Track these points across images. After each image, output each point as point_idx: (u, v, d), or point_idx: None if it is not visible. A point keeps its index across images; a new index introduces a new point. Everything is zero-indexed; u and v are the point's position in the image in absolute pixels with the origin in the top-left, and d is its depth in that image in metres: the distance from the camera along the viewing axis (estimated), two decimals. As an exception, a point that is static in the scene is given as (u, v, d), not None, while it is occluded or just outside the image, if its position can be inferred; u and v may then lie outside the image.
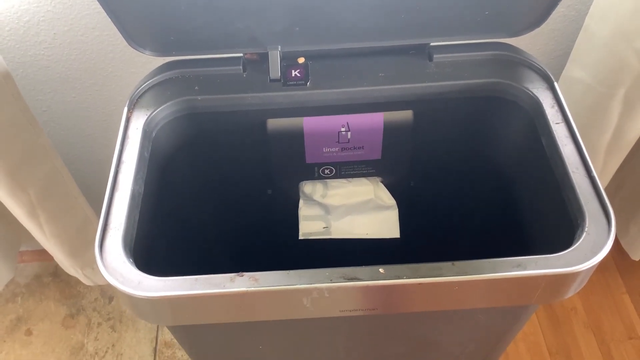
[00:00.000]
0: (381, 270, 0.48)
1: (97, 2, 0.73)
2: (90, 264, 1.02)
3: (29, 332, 1.15)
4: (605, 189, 1.00)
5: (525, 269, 0.47)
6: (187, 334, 0.62)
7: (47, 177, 0.83)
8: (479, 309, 0.57)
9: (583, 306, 1.15)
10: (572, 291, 0.51)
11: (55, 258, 1.01)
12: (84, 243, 0.96)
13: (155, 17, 0.59)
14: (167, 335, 1.14)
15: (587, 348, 1.09)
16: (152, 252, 0.57)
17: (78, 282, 1.20)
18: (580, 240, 0.49)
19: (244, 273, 0.48)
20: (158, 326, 1.15)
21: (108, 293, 1.20)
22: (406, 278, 0.47)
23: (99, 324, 1.16)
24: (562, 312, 1.14)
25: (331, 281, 0.47)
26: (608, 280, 1.18)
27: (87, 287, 1.21)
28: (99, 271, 1.06)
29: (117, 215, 0.52)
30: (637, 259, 1.11)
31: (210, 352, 0.67)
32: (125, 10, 0.57)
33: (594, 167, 0.54)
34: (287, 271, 0.48)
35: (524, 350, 1.10)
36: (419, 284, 0.47)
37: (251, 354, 0.67)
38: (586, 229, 0.50)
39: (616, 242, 1.11)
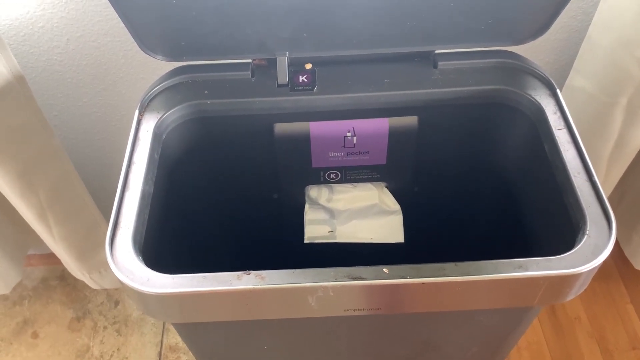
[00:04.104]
0: (385, 270, 0.49)
1: (109, 9, 0.75)
2: (97, 268, 1.03)
3: (35, 335, 1.16)
4: (609, 198, 1.01)
5: (526, 270, 0.48)
6: (193, 333, 0.62)
7: (58, 180, 0.84)
8: (481, 310, 0.57)
9: (587, 315, 1.15)
10: (573, 293, 0.52)
11: (62, 261, 1.02)
12: (91, 246, 0.97)
13: (167, 23, 0.60)
14: (172, 339, 1.14)
15: (591, 357, 1.09)
16: (160, 251, 0.58)
17: (85, 285, 1.21)
18: (582, 243, 0.50)
19: (251, 271, 0.49)
20: (163, 330, 1.16)
21: (114, 297, 1.21)
22: (410, 278, 0.48)
23: (105, 328, 1.17)
24: (566, 321, 1.14)
25: (336, 280, 0.48)
26: (612, 290, 1.18)
27: (94, 290, 1.22)
28: (106, 275, 1.08)
29: (127, 214, 0.54)
30: (640, 269, 1.12)
31: (215, 353, 0.68)
32: (139, 16, 0.59)
33: (597, 175, 0.55)
34: (293, 270, 0.49)
35: (528, 359, 1.10)
36: (422, 283, 0.48)
37: (256, 355, 0.67)
38: (587, 232, 0.50)
39: (620, 251, 1.12)
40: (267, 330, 0.61)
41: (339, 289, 0.48)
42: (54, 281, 1.24)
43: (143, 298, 0.49)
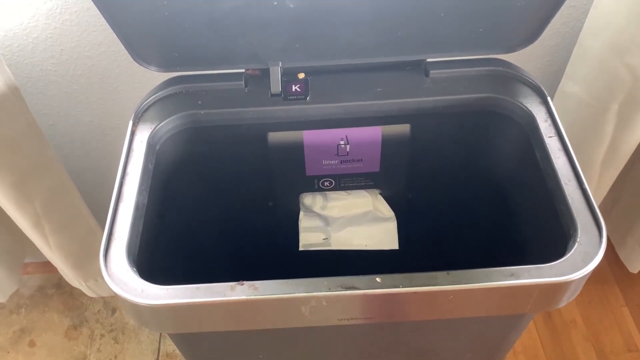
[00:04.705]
0: (378, 279, 0.49)
1: (103, 20, 0.75)
2: (93, 276, 1.03)
3: (32, 344, 1.16)
4: (602, 203, 1.02)
5: (518, 278, 0.49)
6: (188, 343, 0.63)
7: (53, 189, 0.84)
8: (474, 318, 0.58)
9: (582, 319, 1.15)
10: (564, 300, 0.52)
11: (59, 270, 1.02)
12: (87, 255, 0.97)
13: (160, 34, 0.61)
14: (169, 347, 1.14)
15: (587, 361, 1.10)
16: (154, 262, 0.58)
17: (81, 293, 1.21)
18: (572, 250, 0.50)
19: (244, 282, 0.49)
20: (160, 338, 1.16)
21: (111, 305, 1.21)
22: (402, 287, 0.48)
23: (102, 336, 1.17)
24: (562, 324, 1.15)
25: (329, 290, 0.48)
26: (607, 293, 1.19)
27: (90, 298, 1.22)
28: (102, 283, 1.08)
29: (121, 225, 0.54)
30: (635, 272, 1.12)
31: (211, 361, 0.68)
32: (132, 28, 0.59)
33: (589, 181, 0.55)
34: (286, 280, 0.49)
35: (524, 362, 1.10)
36: (415, 292, 0.49)
37: (251, 363, 0.68)
38: (578, 240, 0.51)
39: (614, 255, 1.13)
40: (262, 340, 0.61)
41: (332, 298, 0.49)
42: (51, 289, 1.24)
43: (137, 309, 0.49)
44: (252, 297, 0.48)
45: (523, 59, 0.86)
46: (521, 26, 0.63)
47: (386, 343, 0.64)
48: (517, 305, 0.52)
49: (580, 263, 0.49)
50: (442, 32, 0.62)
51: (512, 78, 0.66)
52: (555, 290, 0.50)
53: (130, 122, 0.62)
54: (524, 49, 0.66)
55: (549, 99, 0.63)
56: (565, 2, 0.60)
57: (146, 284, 0.49)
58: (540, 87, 0.64)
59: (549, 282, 0.48)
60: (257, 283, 0.49)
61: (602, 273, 1.21)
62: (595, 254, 0.50)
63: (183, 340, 0.62)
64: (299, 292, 0.48)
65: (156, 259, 0.59)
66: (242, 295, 0.48)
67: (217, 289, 0.49)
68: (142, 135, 0.62)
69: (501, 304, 0.52)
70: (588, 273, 0.49)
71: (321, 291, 0.48)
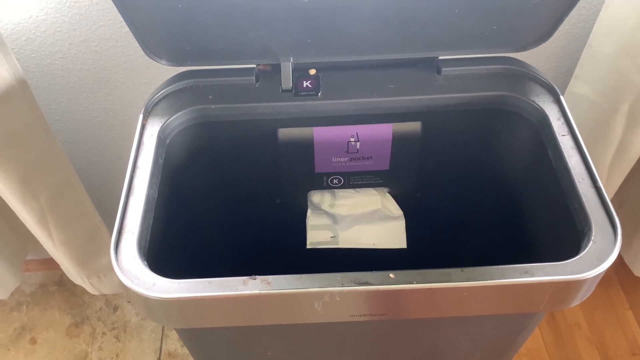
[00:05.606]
0: (391, 275, 0.49)
1: (111, 14, 0.75)
2: (96, 273, 1.03)
3: (33, 341, 1.15)
4: (609, 204, 1.01)
5: (532, 275, 0.48)
6: (196, 339, 0.62)
7: (59, 185, 0.84)
8: (486, 315, 0.57)
9: (586, 322, 1.15)
10: (578, 299, 0.52)
11: (61, 266, 1.02)
12: (92, 251, 0.97)
13: (172, 29, 0.60)
14: (171, 345, 1.14)
15: (591, 364, 1.09)
16: (164, 256, 0.57)
17: (83, 291, 1.20)
18: (587, 248, 0.50)
19: (257, 276, 0.49)
20: (162, 336, 1.15)
21: (113, 303, 1.21)
22: (416, 283, 0.48)
23: (103, 334, 1.16)
24: (566, 327, 1.14)
25: (342, 285, 0.48)
26: (611, 296, 1.19)
27: (92, 296, 1.21)
28: (105, 280, 1.07)
29: (132, 219, 0.53)
30: (640, 275, 1.12)
31: (218, 358, 0.68)
32: (144, 20, 0.59)
33: (599, 179, 0.55)
34: (299, 275, 0.49)
35: (528, 365, 1.10)
36: (429, 289, 0.48)
37: (259, 360, 0.67)
38: (592, 238, 0.51)
39: (619, 257, 1.12)
40: (272, 336, 0.61)
41: (346, 294, 0.48)
42: (53, 287, 1.24)
43: (148, 303, 0.49)
44: (265, 291, 0.48)
45: (532, 60, 0.85)
46: (534, 25, 0.63)
47: (396, 341, 0.64)
48: (530, 303, 0.51)
49: (595, 261, 0.49)
50: (455, 29, 0.62)
51: (524, 76, 0.66)
52: (570, 288, 0.49)
53: (141, 116, 0.62)
54: (534, 49, 0.65)
55: (561, 97, 0.63)
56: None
57: (157, 278, 0.49)
58: (552, 85, 0.64)
59: (564, 279, 0.48)
60: (270, 278, 0.49)
61: (606, 276, 1.20)
62: (611, 252, 0.50)
63: (192, 335, 0.61)
64: (312, 287, 0.48)
65: (166, 253, 0.59)
66: (254, 290, 0.48)
67: (230, 283, 0.48)
68: (153, 129, 0.61)
69: (515, 302, 0.51)
70: (603, 271, 0.49)
71: (334, 286, 0.48)
